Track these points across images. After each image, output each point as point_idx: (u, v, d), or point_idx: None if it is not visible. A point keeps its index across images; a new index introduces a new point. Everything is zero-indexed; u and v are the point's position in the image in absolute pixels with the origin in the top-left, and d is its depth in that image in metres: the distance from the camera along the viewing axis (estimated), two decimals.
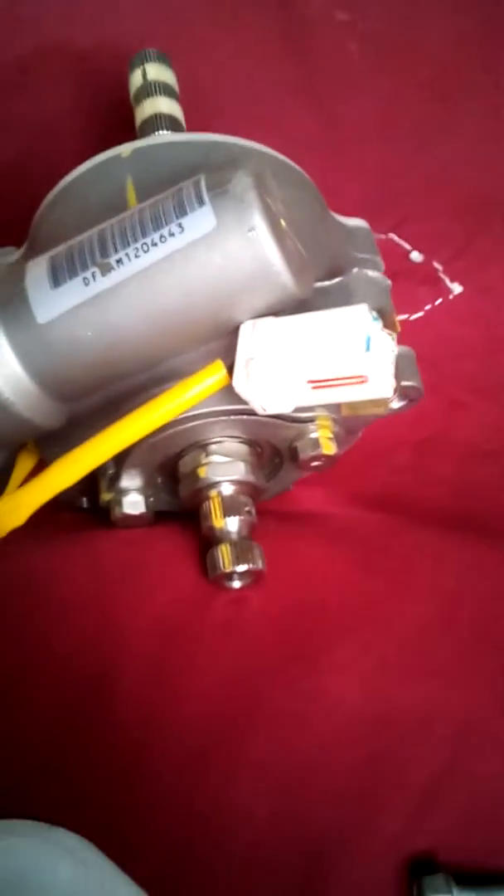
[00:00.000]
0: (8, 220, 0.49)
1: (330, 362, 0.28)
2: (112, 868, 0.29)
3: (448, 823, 0.30)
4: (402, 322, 0.46)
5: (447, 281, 0.48)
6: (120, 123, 0.47)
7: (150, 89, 0.41)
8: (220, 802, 0.30)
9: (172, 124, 0.40)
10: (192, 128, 0.42)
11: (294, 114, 0.54)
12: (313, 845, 0.30)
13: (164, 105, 0.40)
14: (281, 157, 0.36)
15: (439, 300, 0.47)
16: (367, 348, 0.27)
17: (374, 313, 0.28)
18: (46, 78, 0.53)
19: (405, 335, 0.37)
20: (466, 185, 0.51)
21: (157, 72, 0.41)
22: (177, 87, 0.42)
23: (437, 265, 0.48)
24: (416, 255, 0.48)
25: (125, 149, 0.33)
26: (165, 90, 0.41)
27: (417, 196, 0.50)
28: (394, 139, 0.53)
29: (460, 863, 0.29)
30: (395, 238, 0.48)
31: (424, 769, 0.31)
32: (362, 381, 0.28)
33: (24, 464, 0.36)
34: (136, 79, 0.41)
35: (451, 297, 0.48)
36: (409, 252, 0.48)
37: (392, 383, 0.28)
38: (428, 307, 0.47)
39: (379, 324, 0.28)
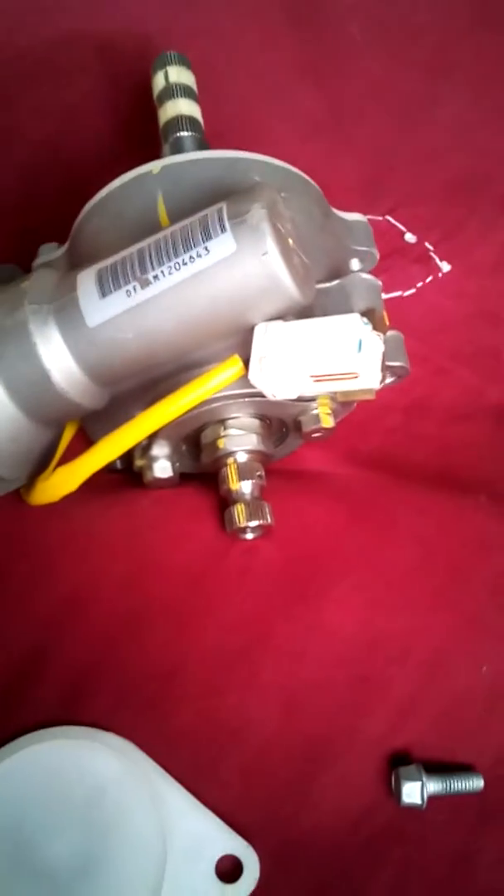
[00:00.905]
0: (42, 198, 0.52)
1: (328, 361, 0.33)
2: (152, 764, 0.34)
3: (421, 728, 0.36)
4: (396, 298, 0.50)
5: (437, 260, 0.50)
6: (141, 106, 0.50)
7: (171, 91, 0.44)
8: (236, 714, 0.36)
9: (192, 125, 0.43)
10: (206, 111, 0.45)
11: (297, 95, 0.56)
12: (312, 747, 0.36)
13: (185, 107, 0.44)
14: (289, 167, 0.39)
15: (430, 277, 0.50)
16: (359, 350, 0.32)
17: (365, 319, 0.33)
18: (73, 63, 0.55)
19: (400, 310, 0.41)
20: (456, 168, 0.53)
21: (177, 74, 0.44)
22: (195, 87, 0.45)
23: (428, 245, 0.51)
24: (409, 237, 0.51)
25: (155, 166, 0.37)
26: (186, 92, 0.44)
27: (412, 178, 0.53)
28: (390, 120, 0.55)
29: (430, 758, 0.36)
30: (392, 220, 0.51)
31: (404, 686, 0.37)
32: (355, 377, 0.33)
33: (66, 434, 0.40)
34: (158, 81, 0.45)
35: (440, 274, 0.50)
36: (403, 233, 0.51)
37: (379, 377, 0.33)
38: (420, 284, 0.50)
39: (369, 327, 0.33)
